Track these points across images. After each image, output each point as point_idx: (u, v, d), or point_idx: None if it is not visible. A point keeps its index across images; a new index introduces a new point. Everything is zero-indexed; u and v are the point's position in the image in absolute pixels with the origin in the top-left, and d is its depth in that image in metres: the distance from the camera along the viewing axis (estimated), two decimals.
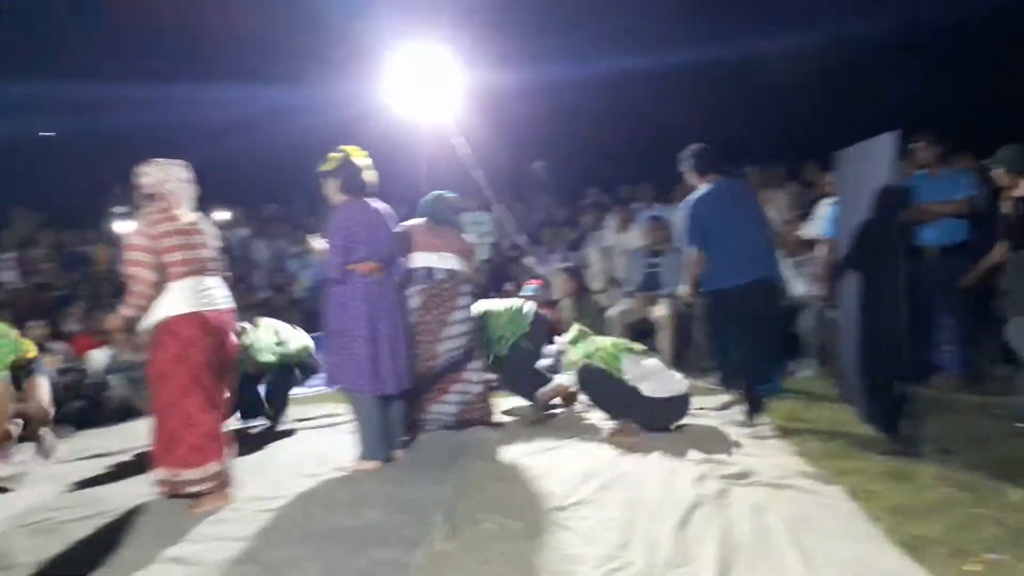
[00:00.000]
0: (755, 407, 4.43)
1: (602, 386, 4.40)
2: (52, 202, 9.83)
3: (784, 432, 4.26)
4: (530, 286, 6.60)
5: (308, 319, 7.53)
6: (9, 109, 9.14)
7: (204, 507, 3.50)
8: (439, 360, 4.42)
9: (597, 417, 4.69)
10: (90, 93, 8.96)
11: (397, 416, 4.13)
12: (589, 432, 4.47)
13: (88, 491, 4.07)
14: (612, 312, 6.51)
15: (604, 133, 10.07)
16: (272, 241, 9.59)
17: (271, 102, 9.47)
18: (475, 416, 4.57)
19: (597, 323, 5.99)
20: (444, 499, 3.41)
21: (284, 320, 7.52)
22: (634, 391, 4.28)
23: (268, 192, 10.59)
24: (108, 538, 3.28)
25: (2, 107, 9.05)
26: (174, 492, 3.55)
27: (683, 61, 9.05)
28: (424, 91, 5.65)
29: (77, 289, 8.32)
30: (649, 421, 4.28)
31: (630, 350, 4.50)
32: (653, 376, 4.34)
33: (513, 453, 4.09)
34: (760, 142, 8.62)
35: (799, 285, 5.89)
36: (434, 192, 4.67)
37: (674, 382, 4.38)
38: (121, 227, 8.56)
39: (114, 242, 8.74)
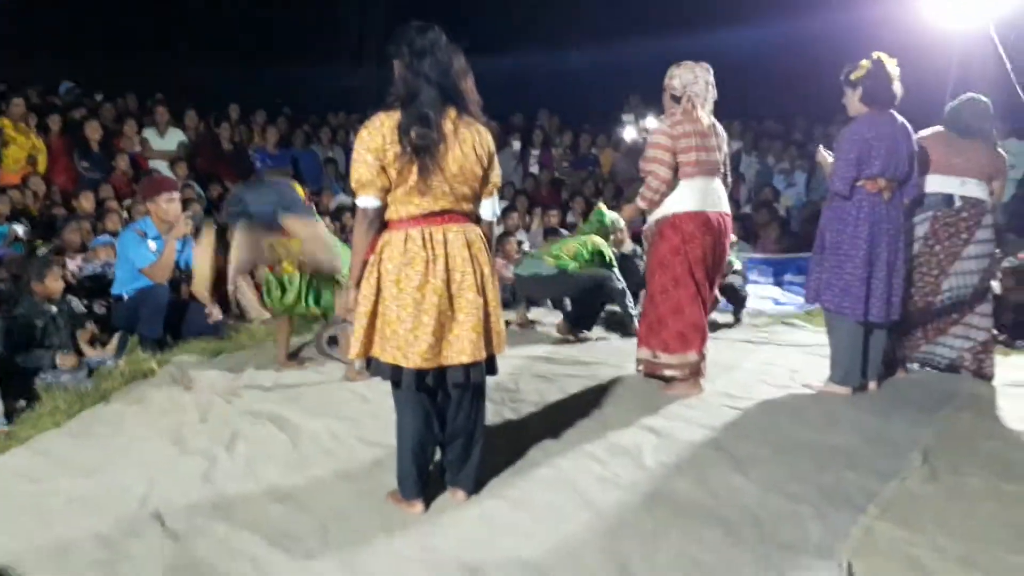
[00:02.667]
0: None
1: None
2: (570, 107, 11.15)
3: None
4: None
5: (788, 238, 7.44)
6: None
7: (676, 391, 3.81)
8: (941, 297, 3.97)
9: None
10: None
11: (879, 347, 3.87)
12: None
13: (578, 351, 4.77)
14: None
15: None
16: (762, 156, 9.51)
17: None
18: (970, 366, 4.05)
19: None
20: (923, 440, 3.16)
21: (763, 237, 7.54)
22: None
23: (768, 107, 10.43)
24: (593, 397, 3.81)
25: None
26: (651, 371, 3.92)
27: None
28: None
29: (581, 187, 9.41)
30: None
31: None
32: None
33: (1015, 413, 3.57)
34: None
35: None
36: (964, 96, 4.06)
37: None
38: (627, 134, 9.39)
39: (618, 148, 9.62)
